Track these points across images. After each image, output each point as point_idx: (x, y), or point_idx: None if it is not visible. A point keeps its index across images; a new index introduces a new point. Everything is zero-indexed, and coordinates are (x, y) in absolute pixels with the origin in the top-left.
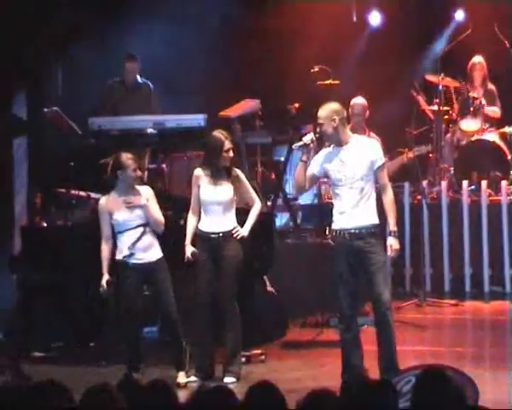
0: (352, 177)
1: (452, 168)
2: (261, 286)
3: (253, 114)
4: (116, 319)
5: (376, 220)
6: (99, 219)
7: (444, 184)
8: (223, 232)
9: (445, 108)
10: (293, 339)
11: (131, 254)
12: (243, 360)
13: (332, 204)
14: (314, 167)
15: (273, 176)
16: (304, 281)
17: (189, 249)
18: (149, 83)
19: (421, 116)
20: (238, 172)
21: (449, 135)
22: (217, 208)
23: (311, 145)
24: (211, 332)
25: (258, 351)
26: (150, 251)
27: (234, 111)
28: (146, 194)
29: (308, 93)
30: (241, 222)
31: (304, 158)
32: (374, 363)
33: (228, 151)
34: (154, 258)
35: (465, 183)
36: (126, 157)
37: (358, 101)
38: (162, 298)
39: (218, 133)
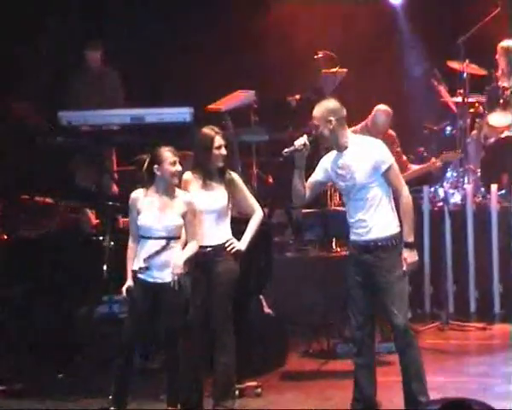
0: (352, 186)
1: (479, 170)
2: (257, 307)
3: (246, 107)
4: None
5: (390, 231)
6: (129, 213)
7: (469, 187)
8: (215, 246)
9: (471, 100)
10: (294, 369)
11: (147, 269)
12: (236, 393)
13: (337, 211)
14: (318, 174)
15: (270, 179)
16: (306, 301)
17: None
18: (115, 71)
19: (442, 109)
20: (233, 174)
21: (475, 131)
22: (209, 218)
23: (304, 150)
24: (201, 360)
25: (254, 383)
26: (167, 270)
27: (224, 104)
28: (185, 204)
29: (311, 83)
30: (236, 233)
31: (298, 164)
32: (395, 395)
33: (219, 148)
34: (169, 278)
35: (494, 187)
36: (164, 149)
37: (382, 108)
38: (169, 326)
39: (208, 129)
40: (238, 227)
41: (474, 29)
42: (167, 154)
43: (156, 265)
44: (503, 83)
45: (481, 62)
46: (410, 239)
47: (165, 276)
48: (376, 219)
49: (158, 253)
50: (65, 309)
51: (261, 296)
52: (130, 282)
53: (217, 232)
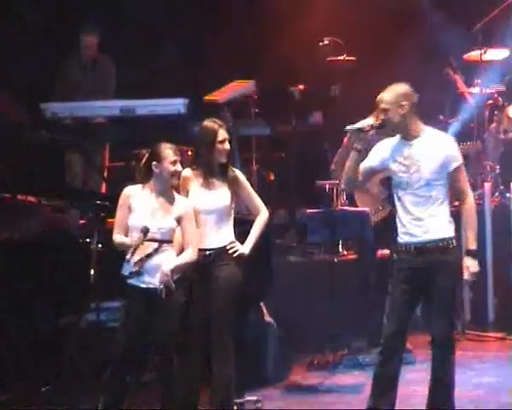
0: (417, 180)
1: (498, 166)
2: (257, 316)
3: (246, 98)
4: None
5: (448, 233)
6: (118, 208)
7: (487, 185)
8: (216, 249)
9: (489, 91)
10: (297, 382)
11: (138, 273)
12: (235, 408)
13: (345, 211)
14: (373, 159)
15: (271, 176)
16: (311, 309)
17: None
18: (110, 59)
19: (458, 100)
20: (237, 172)
21: (494, 125)
22: (210, 218)
23: (369, 132)
24: (199, 371)
25: (254, 397)
26: (158, 275)
27: (222, 95)
28: (182, 208)
29: (316, 72)
30: (237, 235)
31: (358, 146)
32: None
33: (223, 142)
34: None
35: None
36: (164, 146)
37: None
38: (162, 335)
39: (210, 122)
40: (239, 228)
41: (490, 16)
42: (168, 151)
43: (147, 269)
44: None
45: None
46: (474, 247)
47: (157, 282)
48: (435, 220)
49: (150, 256)
50: (50, 318)
51: (261, 304)
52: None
53: (218, 234)
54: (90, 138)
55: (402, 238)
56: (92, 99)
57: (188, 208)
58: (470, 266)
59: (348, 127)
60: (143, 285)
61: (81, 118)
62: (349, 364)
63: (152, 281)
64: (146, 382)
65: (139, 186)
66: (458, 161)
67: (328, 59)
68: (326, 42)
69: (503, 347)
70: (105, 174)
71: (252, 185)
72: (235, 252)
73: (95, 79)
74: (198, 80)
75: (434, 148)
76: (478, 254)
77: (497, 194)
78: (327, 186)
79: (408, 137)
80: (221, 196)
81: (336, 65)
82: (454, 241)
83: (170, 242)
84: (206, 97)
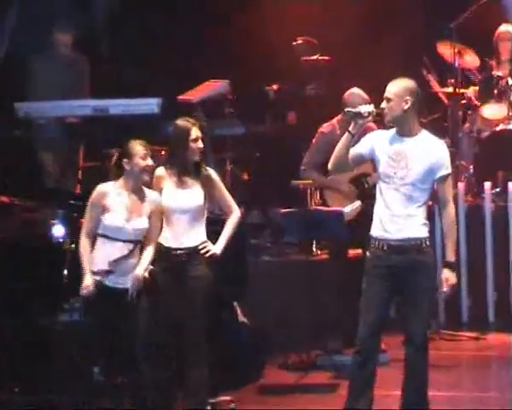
0: (402, 178)
1: (472, 166)
2: (231, 316)
3: (220, 97)
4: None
5: (424, 234)
6: (87, 207)
7: (461, 185)
8: (188, 249)
9: (463, 91)
10: (271, 382)
11: (108, 272)
12: (209, 408)
13: (319, 211)
14: (364, 146)
15: (246, 176)
16: (285, 309)
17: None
18: (84, 57)
19: (432, 100)
20: (210, 170)
21: (467, 124)
22: (183, 218)
23: (367, 118)
24: (170, 374)
25: (228, 397)
26: (128, 276)
27: (196, 94)
28: (153, 204)
29: (290, 71)
30: (209, 235)
31: (352, 130)
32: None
33: (196, 141)
34: (129, 285)
35: (488, 184)
36: (134, 143)
37: (355, 92)
38: (129, 336)
39: (183, 121)
40: (211, 228)
41: (466, 13)
42: (138, 147)
43: (122, 270)
44: (498, 72)
45: (474, 50)
46: (453, 259)
47: (127, 282)
48: (412, 220)
49: (126, 257)
50: (24, 319)
51: (236, 304)
52: (89, 281)
53: (191, 234)
54: (65, 138)
55: (376, 233)
56: (65, 98)
57: (158, 204)
58: (448, 277)
59: (348, 109)
60: (110, 284)
61: (54, 118)
62: (324, 364)
63: (119, 281)
64: (118, 384)
65: (111, 184)
66: (446, 169)
67: (303, 58)
68: (300, 41)
69: (477, 346)
70: (79, 174)
71: (226, 185)
72: (207, 252)
73: (69, 78)
74: (173, 81)
75: (426, 151)
76: (455, 267)
77: (470, 194)
78: (301, 186)
79: (403, 133)
80: (195, 195)
81: (311, 64)
82: (428, 241)
83: (141, 242)
84: (180, 97)
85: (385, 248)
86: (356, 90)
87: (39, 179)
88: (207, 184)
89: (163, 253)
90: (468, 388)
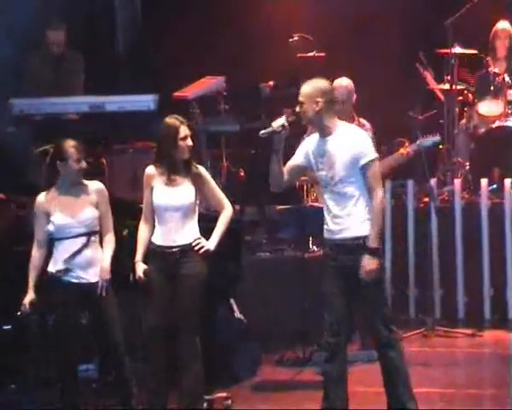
0: (331, 177)
1: (468, 163)
2: (226, 312)
3: (215, 94)
4: (41, 352)
5: (366, 232)
6: (33, 218)
7: (457, 182)
8: (182, 246)
9: (459, 87)
10: (266, 379)
11: (67, 270)
12: (205, 405)
13: (315, 208)
14: (298, 156)
15: (242, 173)
16: (281, 306)
17: (141, 267)
18: (78, 53)
19: (428, 97)
20: (200, 167)
21: (464, 121)
22: (174, 216)
23: (283, 132)
24: (164, 372)
25: (224, 394)
26: (91, 269)
27: (191, 91)
28: (96, 193)
29: (285, 68)
30: (203, 231)
31: (275, 147)
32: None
33: (185, 139)
34: (95, 278)
35: (484, 181)
36: (68, 145)
37: (342, 83)
38: (105, 329)
39: (171, 118)
40: (206, 225)
41: (463, 10)
42: (72, 150)
43: (79, 264)
44: (495, 68)
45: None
46: (375, 245)
47: (91, 276)
48: (353, 218)
49: (79, 251)
50: (17, 315)
51: (232, 300)
52: (32, 294)
53: (183, 231)
54: (60, 135)
55: (325, 234)
56: (60, 95)
57: (102, 191)
58: (366, 264)
59: (262, 132)
60: (75, 280)
61: (49, 115)
62: (319, 360)
63: (85, 276)
64: (110, 381)
65: (48, 192)
66: (367, 156)
67: (298, 55)
68: (296, 38)
69: (472, 343)
70: None
71: (221, 182)
72: (200, 249)
73: (62, 75)
74: (168, 78)
75: (346, 144)
76: (378, 253)
77: (467, 191)
78: (297, 183)
79: (323, 133)
80: (186, 192)
81: (306, 61)
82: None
83: (97, 232)
84: (176, 94)
85: (332, 248)
86: (339, 82)
87: (34, 176)
88: (198, 182)
89: (156, 252)
90: (464, 385)
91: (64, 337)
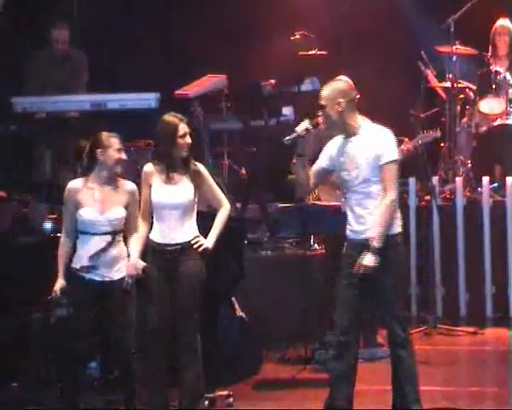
0: (356, 178)
1: (470, 161)
2: (228, 311)
3: (217, 92)
4: (43, 351)
5: (391, 231)
6: (63, 206)
7: (459, 180)
8: (181, 244)
9: (461, 85)
10: (268, 377)
11: (92, 267)
12: (206, 403)
13: (316, 206)
14: (322, 160)
15: (243, 171)
16: (282, 304)
17: (139, 265)
18: (81, 52)
19: (430, 95)
20: (199, 165)
21: (465, 119)
22: (173, 214)
23: (307, 135)
24: (165, 371)
25: (225, 392)
26: (115, 267)
27: (193, 89)
28: (128, 193)
29: (287, 66)
30: (203, 230)
31: (301, 151)
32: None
33: (183, 137)
34: (117, 276)
35: (485, 179)
36: (108, 135)
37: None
38: (119, 327)
39: (170, 116)
40: (207, 223)
41: (464, 8)
42: (113, 140)
43: (104, 262)
44: (496, 67)
45: (471, 44)
46: (375, 244)
47: (114, 274)
48: (374, 217)
49: (105, 250)
50: (19, 313)
51: (233, 299)
52: (62, 281)
53: (182, 230)
54: (61, 133)
55: (348, 235)
56: (63, 93)
57: (134, 193)
58: (364, 260)
59: (286, 138)
60: (98, 278)
61: (51, 112)
62: (321, 358)
63: (108, 274)
64: (111, 381)
65: (82, 179)
66: (388, 157)
67: (300, 53)
68: (297, 36)
69: (474, 341)
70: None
71: (223, 180)
72: (199, 247)
73: (66, 74)
74: (171, 76)
75: (369, 143)
76: (380, 253)
77: (468, 189)
78: None
79: (347, 134)
80: (185, 190)
81: (308, 59)
82: (396, 237)
83: (122, 232)
84: (177, 92)
85: (354, 247)
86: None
87: (35, 174)
88: (196, 179)
89: (155, 249)
90: (465, 383)
91: (78, 334)
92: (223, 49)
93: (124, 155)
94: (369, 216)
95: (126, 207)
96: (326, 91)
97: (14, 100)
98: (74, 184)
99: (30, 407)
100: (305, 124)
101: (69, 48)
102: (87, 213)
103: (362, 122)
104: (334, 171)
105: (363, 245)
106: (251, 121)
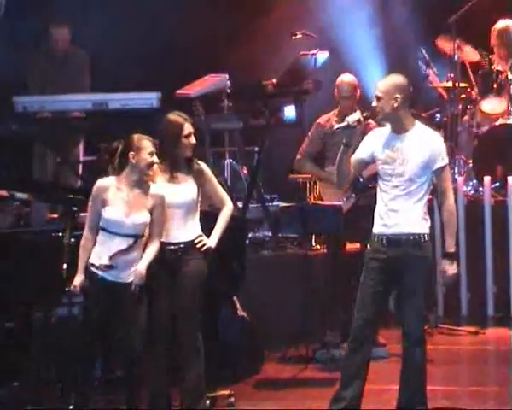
0: (400, 174)
1: (471, 160)
2: (230, 310)
3: (218, 92)
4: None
5: (423, 230)
6: (90, 201)
7: (460, 180)
8: (184, 243)
9: (462, 85)
10: (269, 377)
11: (110, 267)
12: (207, 402)
13: (318, 206)
14: (363, 151)
15: (245, 170)
16: (283, 303)
17: (144, 275)
18: (83, 51)
19: (431, 95)
20: (202, 165)
21: (467, 118)
22: (176, 213)
23: (358, 127)
24: (167, 370)
25: (226, 392)
26: (129, 270)
27: (194, 88)
28: (155, 198)
29: (288, 65)
30: (205, 229)
31: (346, 141)
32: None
33: (188, 137)
34: (130, 279)
35: (487, 179)
36: (140, 137)
37: (346, 79)
38: (124, 329)
39: (175, 115)
40: (210, 223)
41: (466, 7)
42: (146, 142)
43: (121, 264)
44: (498, 66)
45: (473, 44)
46: (452, 249)
47: (127, 276)
48: (410, 215)
49: (124, 252)
50: (20, 313)
51: (235, 298)
52: (82, 276)
53: (185, 228)
54: (63, 132)
55: (376, 229)
56: (64, 93)
57: (161, 198)
58: (448, 269)
59: (336, 126)
60: (111, 278)
61: (53, 112)
62: (322, 358)
63: (122, 275)
64: (113, 380)
65: (113, 178)
66: (443, 161)
67: (301, 53)
68: (299, 36)
69: (475, 341)
70: (79, 168)
71: (224, 180)
72: (202, 246)
73: (67, 73)
74: (173, 75)
75: (421, 144)
76: (456, 257)
77: (469, 188)
78: (300, 180)
79: (398, 129)
80: (188, 189)
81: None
82: (426, 237)
83: (143, 236)
84: (178, 91)
85: (383, 242)
86: (343, 79)
87: (36, 174)
88: (199, 178)
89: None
90: (467, 382)
91: (92, 331)
92: (225, 48)
93: (156, 159)
94: (405, 213)
95: (151, 212)
96: (384, 84)
97: (14, 99)
98: (104, 182)
99: (30, 407)
100: (357, 115)
101: (70, 47)
102: (113, 213)
103: (414, 121)
104: (370, 163)
105: (392, 240)
106: (252, 120)
